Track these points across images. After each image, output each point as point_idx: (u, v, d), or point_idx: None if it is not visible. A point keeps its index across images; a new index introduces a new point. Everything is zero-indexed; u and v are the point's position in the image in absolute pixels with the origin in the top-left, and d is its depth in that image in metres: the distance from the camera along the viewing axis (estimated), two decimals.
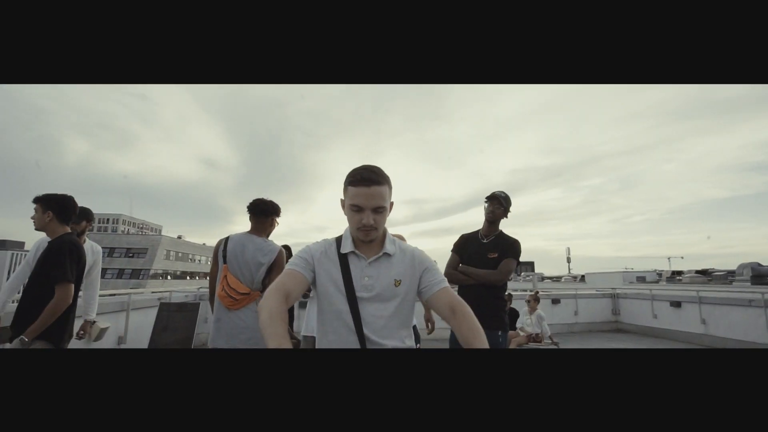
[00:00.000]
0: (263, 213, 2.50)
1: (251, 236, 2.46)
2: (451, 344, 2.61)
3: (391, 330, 1.21)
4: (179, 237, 63.49)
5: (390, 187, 1.22)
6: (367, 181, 1.15)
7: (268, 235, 2.54)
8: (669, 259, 54.79)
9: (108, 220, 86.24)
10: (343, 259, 1.23)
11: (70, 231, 2.33)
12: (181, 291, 6.45)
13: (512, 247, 2.59)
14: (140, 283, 41.91)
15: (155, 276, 45.64)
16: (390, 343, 1.20)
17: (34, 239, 2.74)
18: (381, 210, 1.18)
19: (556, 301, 8.07)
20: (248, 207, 2.52)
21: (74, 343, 3.26)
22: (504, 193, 2.69)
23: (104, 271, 45.24)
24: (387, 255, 1.24)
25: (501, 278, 2.52)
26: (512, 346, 4.87)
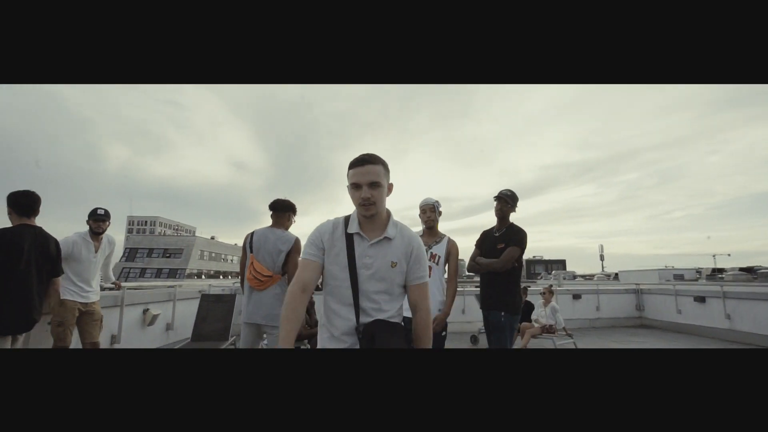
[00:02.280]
0: (282, 209, 3.02)
1: (273, 229, 2.97)
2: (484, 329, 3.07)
3: (385, 303, 1.39)
4: (212, 238, 65.93)
5: (385, 168, 1.39)
6: (361, 162, 1.35)
7: (286, 229, 3.02)
8: (714, 256, 51.65)
9: (146, 222, 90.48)
10: (349, 238, 1.39)
11: (27, 223, 2.56)
12: (219, 285, 7.02)
13: (516, 235, 2.94)
14: (177, 282, 43.98)
15: (190, 276, 47.69)
16: (382, 315, 1.37)
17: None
18: (376, 185, 1.34)
19: (577, 296, 8.12)
20: (269, 205, 3.07)
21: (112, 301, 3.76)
22: (509, 191, 3.07)
23: (144, 270, 47.21)
24: (387, 239, 1.40)
25: (502, 264, 2.87)
26: (526, 336, 5.09)
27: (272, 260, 2.85)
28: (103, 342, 3.76)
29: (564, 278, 32.50)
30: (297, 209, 3.11)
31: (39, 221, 2.68)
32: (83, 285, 3.21)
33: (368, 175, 1.34)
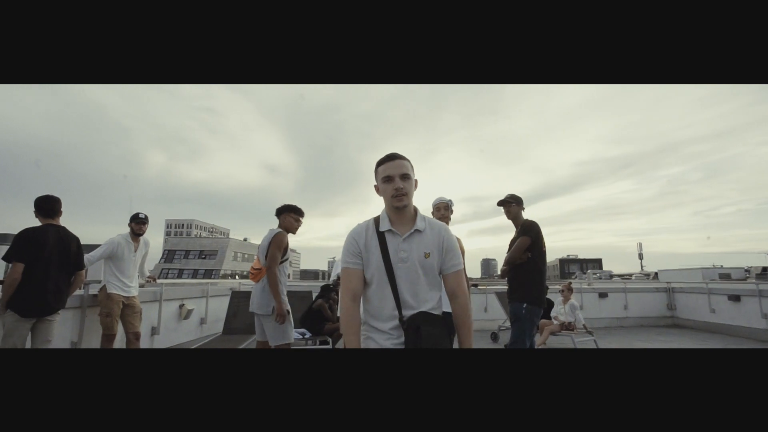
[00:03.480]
0: (278, 212, 3.40)
1: (271, 229, 3.34)
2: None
3: (425, 293, 1.42)
4: (245, 239, 68.05)
5: (411, 165, 1.47)
6: (391, 158, 1.44)
7: (286, 229, 3.33)
8: None
9: (183, 225, 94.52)
10: (382, 236, 1.44)
11: (51, 222, 2.88)
12: (248, 283, 7.40)
13: (523, 227, 3.14)
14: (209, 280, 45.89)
15: (224, 276, 49.53)
16: (424, 306, 1.41)
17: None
18: (407, 177, 1.42)
19: (603, 294, 7.96)
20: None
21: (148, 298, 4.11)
22: (509, 195, 3.30)
23: (181, 271, 49.33)
24: (418, 231, 1.44)
25: (512, 255, 3.08)
26: (545, 333, 5.10)
27: (263, 255, 3.25)
28: (144, 333, 4.15)
29: (600, 277, 31.41)
30: (300, 210, 3.40)
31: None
32: (126, 281, 3.61)
33: (399, 168, 1.41)
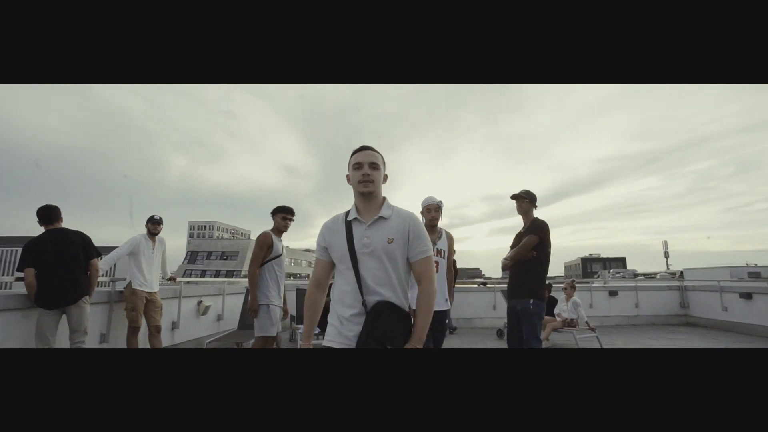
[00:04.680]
0: (271, 214, 3.60)
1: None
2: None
3: (386, 280, 1.44)
4: None
5: (383, 160, 1.55)
6: (363, 148, 1.53)
7: (277, 229, 3.55)
8: None
9: (205, 226, 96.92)
10: (348, 225, 1.50)
11: (51, 227, 3.26)
12: None
13: (532, 226, 3.18)
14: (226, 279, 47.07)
15: (245, 277, 50.50)
16: (384, 291, 1.43)
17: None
18: (375, 166, 1.49)
19: (613, 293, 7.96)
20: None
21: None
22: (523, 191, 3.32)
23: (204, 272, 50.63)
24: (383, 218, 1.48)
25: (520, 252, 3.13)
26: (548, 329, 5.22)
27: None
28: (165, 327, 4.50)
29: (624, 276, 30.68)
30: (287, 209, 3.59)
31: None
32: (147, 276, 3.99)
33: (369, 157, 1.50)
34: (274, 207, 3.64)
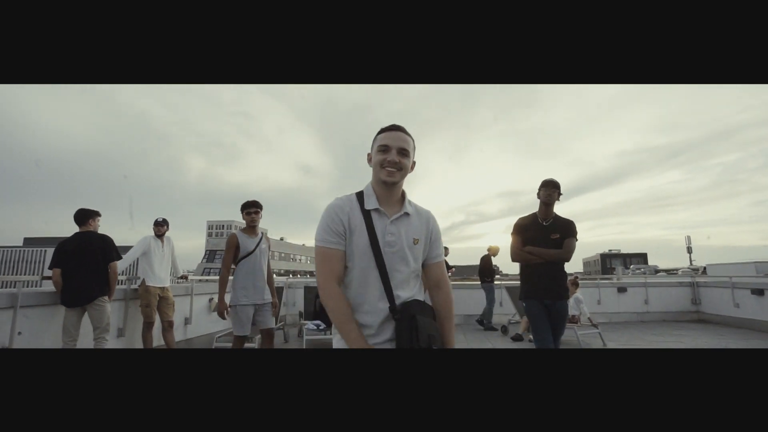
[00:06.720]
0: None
1: None
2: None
3: (409, 282, 1.29)
4: (281, 239, 70.26)
5: (414, 145, 1.32)
6: (394, 128, 1.29)
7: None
8: None
9: (223, 225, 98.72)
10: (367, 215, 1.26)
11: (81, 230, 3.61)
12: (278, 280, 7.97)
13: (571, 227, 2.99)
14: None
15: None
16: (406, 294, 1.26)
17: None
18: (405, 152, 1.27)
19: (622, 289, 7.91)
20: None
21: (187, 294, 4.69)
22: (554, 180, 3.07)
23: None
24: (407, 215, 1.30)
25: (567, 256, 2.97)
26: None
27: None
28: (178, 323, 4.74)
29: (645, 272, 30.04)
30: (246, 204, 3.56)
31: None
32: (159, 274, 4.26)
33: (399, 141, 1.27)
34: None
